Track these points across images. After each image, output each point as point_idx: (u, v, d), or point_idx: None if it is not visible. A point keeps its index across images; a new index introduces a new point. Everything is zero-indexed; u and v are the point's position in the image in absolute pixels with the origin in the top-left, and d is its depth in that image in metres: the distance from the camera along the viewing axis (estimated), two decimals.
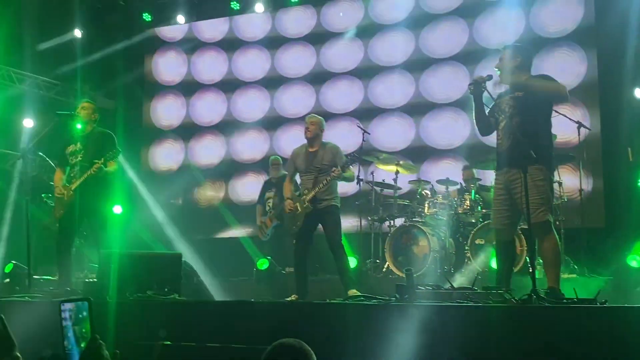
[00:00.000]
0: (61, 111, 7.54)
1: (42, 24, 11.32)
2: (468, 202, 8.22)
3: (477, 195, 8.29)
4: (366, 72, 11.09)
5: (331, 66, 11.39)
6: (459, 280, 7.04)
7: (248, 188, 11.44)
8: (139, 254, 6.70)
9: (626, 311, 4.21)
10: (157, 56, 12.82)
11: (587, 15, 9.61)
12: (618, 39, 9.09)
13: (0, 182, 10.58)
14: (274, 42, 11.87)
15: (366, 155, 8.10)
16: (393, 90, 10.81)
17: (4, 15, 10.63)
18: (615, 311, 4.26)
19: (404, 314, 4.31)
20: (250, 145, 11.80)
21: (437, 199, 8.44)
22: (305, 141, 6.99)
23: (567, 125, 7.74)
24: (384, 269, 8.28)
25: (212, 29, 12.39)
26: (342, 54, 11.30)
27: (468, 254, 7.90)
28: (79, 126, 6.86)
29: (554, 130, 5.40)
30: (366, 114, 10.81)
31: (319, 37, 11.53)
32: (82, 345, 2.11)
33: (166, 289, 5.59)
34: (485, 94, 5.26)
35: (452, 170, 9.59)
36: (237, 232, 11.05)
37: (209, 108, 12.28)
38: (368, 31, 11.14)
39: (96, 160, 6.52)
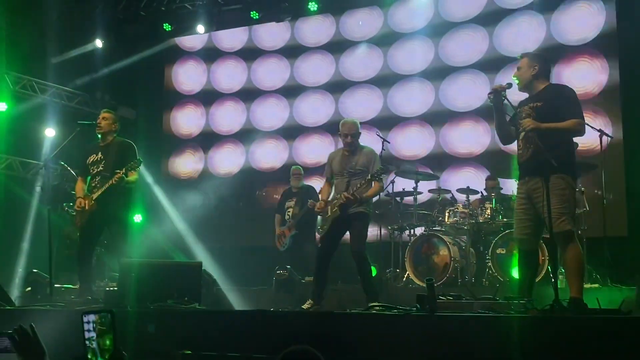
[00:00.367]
0: (82, 121, 7.63)
1: (64, 34, 11.43)
2: (489, 211, 8.15)
3: (498, 204, 8.23)
4: (385, 81, 11.05)
5: (350, 75, 11.37)
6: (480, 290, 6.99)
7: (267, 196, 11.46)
8: (159, 263, 6.74)
9: None
10: (177, 66, 12.91)
11: (608, 22, 9.50)
12: None
13: (22, 191, 10.68)
14: (293, 51, 11.89)
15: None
16: (412, 98, 10.77)
17: (26, 26, 10.77)
18: None
19: (424, 324, 4.28)
20: (269, 154, 11.82)
21: (457, 208, 8.39)
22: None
23: (588, 133, 7.53)
24: (404, 278, 8.25)
25: (232, 38, 12.45)
26: (362, 63, 11.28)
27: (489, 264, 7.85)
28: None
29: (575, 139, 5.36)
30: (386, 122, 10.75)
31: (338, 46, 11.53)
32: (106, 357, 2.12)
33: (186, 298, 5.60)
34: (505, 102, 5.24)
35: (472, 178, 9.55)
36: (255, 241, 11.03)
37: (228, 117, 12.32)
38: (387, 39, 11.11)
39: (117, 170, 6.58)
